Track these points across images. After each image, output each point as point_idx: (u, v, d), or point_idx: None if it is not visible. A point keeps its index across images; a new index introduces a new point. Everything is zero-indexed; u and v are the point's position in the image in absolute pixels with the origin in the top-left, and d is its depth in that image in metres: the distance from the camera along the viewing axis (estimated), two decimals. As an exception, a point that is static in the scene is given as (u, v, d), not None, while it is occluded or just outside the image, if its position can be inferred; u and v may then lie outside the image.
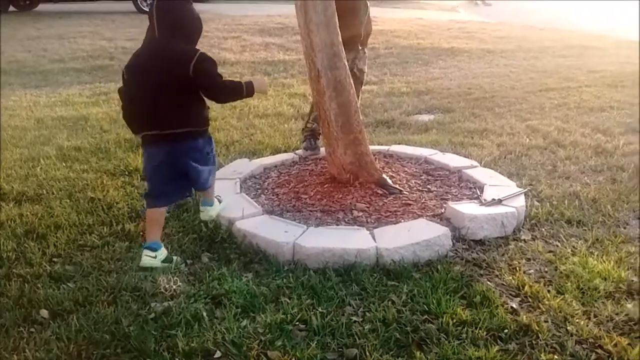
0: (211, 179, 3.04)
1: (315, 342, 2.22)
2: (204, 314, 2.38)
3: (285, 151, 4.41)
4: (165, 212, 2.99)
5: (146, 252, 2.79)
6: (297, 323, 2.34)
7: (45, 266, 2.76)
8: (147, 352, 2.17)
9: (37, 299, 2.49)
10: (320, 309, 2.41)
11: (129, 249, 2.94)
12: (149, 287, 2.57)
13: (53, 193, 3.62)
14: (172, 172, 2.83)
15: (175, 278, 2.63)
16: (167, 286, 2.57)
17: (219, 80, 2.77)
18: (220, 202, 3.28)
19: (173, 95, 2.69)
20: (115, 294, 2.54)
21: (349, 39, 3.74)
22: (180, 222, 3.21)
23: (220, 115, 5.53)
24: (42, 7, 14.32)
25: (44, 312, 2.41)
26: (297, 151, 4.30)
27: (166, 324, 2.33)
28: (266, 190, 3.61)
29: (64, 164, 4.12)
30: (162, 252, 2.83)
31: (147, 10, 12.36)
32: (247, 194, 3.47)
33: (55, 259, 2.85)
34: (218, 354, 2.18)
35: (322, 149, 4.03)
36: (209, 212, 3.20)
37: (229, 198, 3.36)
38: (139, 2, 13.87)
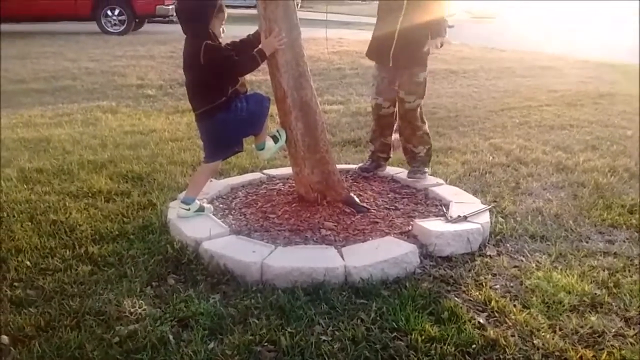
0: (252, 129, 3.48)
1: (285, 362, 2.21)
2: (171, 337, 2.34)
3: (252, 171, 4.39)
4: (208, 175, 3.54)
5: (181, 205, 3.35)
6: (265, 344, 2.32)
7: (5, 291, 2.68)
8: (112, 378, 2.12)
9: (-3, 324, 2.41)
10: (289, 329, 2.39)
11: (92, 273, 2.87)
12: (113, 311, 2.52)
13: (14, 216, 3.52)
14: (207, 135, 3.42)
15: (140, 301, 2.58)
16: (132, 309, 2.52)
17: (228, 62, 3.19)
18: (277, 139, 3.52)
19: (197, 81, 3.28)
20: (78, 319, 2.47)
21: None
22: (145, 243, 3.16)
23: (187, 136, 5.49)
24: (2, 27, 14.06)
25: (5, 339, 2.33)
26: (264, 170, 4.29)
27: (131, 348, 2.28)
28: (234, 211, 3.58)
29: (25, 186, 4.02)
30: (195, 205, 3.36)
31: (112, 31, 11.99)
32: (214, 214, 3.44)
33: (16, 284, 2.76)
34: (185, 378, 2.14)
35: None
36: (262, 156, 3.65)
37: (196, 218, 3.33)
38: (103, 23, 13.72)
